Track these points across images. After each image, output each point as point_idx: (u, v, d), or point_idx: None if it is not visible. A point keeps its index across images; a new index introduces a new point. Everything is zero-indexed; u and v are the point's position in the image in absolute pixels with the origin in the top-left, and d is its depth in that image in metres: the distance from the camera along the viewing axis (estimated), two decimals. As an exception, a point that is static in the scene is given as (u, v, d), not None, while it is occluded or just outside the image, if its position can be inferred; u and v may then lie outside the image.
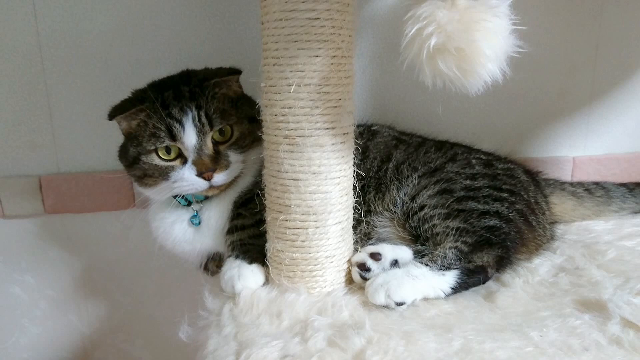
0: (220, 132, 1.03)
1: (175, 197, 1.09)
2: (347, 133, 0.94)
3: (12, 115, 1.33)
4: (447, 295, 0.93)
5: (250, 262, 1.01)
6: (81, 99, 1.34)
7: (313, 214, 0.93)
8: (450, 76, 0.81)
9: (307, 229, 0.94)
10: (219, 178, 1.01)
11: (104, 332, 1.53)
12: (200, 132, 1.00)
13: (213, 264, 1.16)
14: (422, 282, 0.91)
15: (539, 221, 1.09)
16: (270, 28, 0.88)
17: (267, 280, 1.01)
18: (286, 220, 0.94)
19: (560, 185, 1.28)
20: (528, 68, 1.48)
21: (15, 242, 1.42)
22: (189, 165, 1.01)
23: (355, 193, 0.99)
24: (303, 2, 0.85)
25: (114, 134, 1.37)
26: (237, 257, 1.03)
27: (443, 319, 0.87)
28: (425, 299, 0.92)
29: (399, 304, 0.89)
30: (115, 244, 1.45)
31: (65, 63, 1.31)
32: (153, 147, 1.01)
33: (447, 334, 0.81)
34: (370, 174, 1.11)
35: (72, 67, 1.32)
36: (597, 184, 1.31)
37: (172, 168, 1.01)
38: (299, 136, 0.90)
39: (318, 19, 0.86)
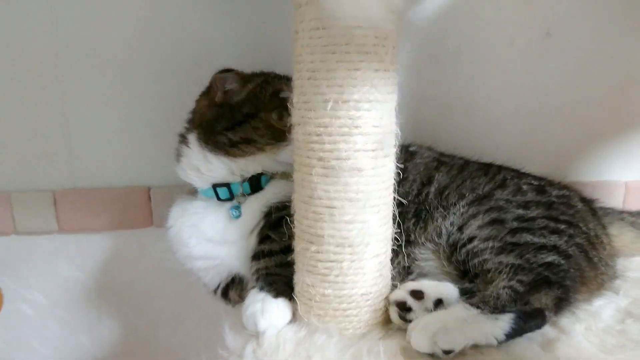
0: None
1: (216, 188, 1.04)
2: (388, 155, 0.84)
3: (28, 128, 1.28)
4: (500, 343, 0.81)
5: (276, 295, 0.91)
6: (99, 112, 1.28)
7: (349, 246, 0.83)
8: None
9: (341, 262, 0.83)
10: None
11: (117, 356, 1.45)
12: None
13: (235, 292, 1.06)
14: (473, 327, 0.80)
15: (601, 257, 0.97)
16: (305, 38, 0.79)
17: (294, 317, 0.90)
18: (318, 252, 0.84)
19: (618, 214, 1.16)
20: (578, 83, 1.37)
21: (26, 259, 1.36)
22: None
23: (395, 222, 0.89)
24: (343, 8, 0.76)
25: (132, 149, 1.30)
26: (261, 288, 0.93)
27: (497, 373, 0.76)
28: (475, 347, 0.81)
29: (447, 352, 0.78)
30: (130, 264, 1.38)
31: (82, 76, 1.26)
32: (277, 104, 1.01)
33: (504, 393, 0.70)
34: (409, 199, 1.01)
35: (90, 80, 1.26)
36: (659, 213, 1.18)
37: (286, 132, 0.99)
38: (335, 159, 0.80)
39: (360, 26, 0.76)
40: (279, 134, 1.01)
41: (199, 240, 1.04)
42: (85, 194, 1.31)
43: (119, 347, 1.44)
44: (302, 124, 0.83)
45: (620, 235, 1.12)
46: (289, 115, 0.91)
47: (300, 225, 0.86)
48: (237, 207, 1.03)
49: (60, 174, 1.30)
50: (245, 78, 1.06)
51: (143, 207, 1.32)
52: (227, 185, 1.04)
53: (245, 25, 1.26)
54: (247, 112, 1.02)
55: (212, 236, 1.04)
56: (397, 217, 0.90)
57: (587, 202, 1.10)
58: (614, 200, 1.43)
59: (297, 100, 0.83)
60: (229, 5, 1.25)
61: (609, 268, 0.99)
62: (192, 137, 1.06)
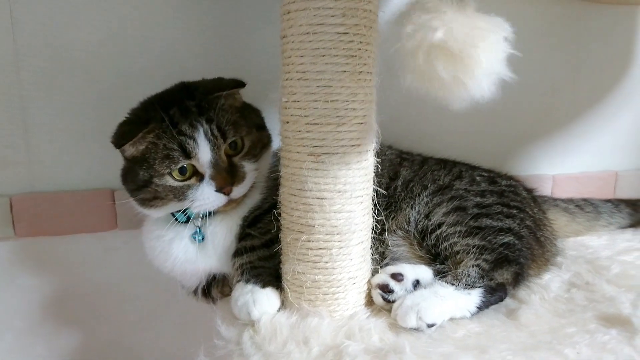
0: (232, 145, 0.98)
1: (173, 213, 1.02)
2: (370, 150, 0.92)
3: (-18, 130, 1.21)
4: (472, 315, 0.92)
5: (264, 286, 0.96)
6: (60, 113, 1.24)
7: (337, 234, 0.90)
8: (442, 80, 0.75)
9: (331, 249, 0.90)
10: (238, 191, 0.97)
11: (76, 365, 1.40)
12: (214, 146, 0.95)
13: (216, 290, 1.09)
14: (450, 302, 0.90)
15: (546, 237, 1.11)
16: (295, 42, 0.85)
17: (283, 304, 0.96)
18: (309, 241, 0.90)
19: (553, 201, 1.33)
20: (510, 91, 1.53)
21: (-21, 268, 1.29)
22: (206, 181, 0.95)
23: (375, 211, 0.97)
24: (332, 16, 0.83)
25: (94, 152, 1.28)
26: (247, 281, 0.97)
27: (474, 340, 0.85)
28: (451, 319, 0.91)
29: (430, 326, 0.87)
30: (92, 269, 1.34)
31: (44, 74, 1.21)
32: (167, 170, 0.94)
33: (484, 355, 0.79)
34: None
35: (52, 79, 1.22)
36: (585, 200, 1.36)
37: (189, 187, 0.95)
38: (325, 153, 0.87)
39: (347, 33, 0.84)
40: (181, 192, 0.95)
41: (175, 263, 1.03)
42: (46, 198, 1.25)
43: (79, 357, 1.40)
44: (291, 122, 0.88)
45: (555, 220, 1.28)
46: (194, 156, 0.92)
47: (290, 217, 0.92)
48: (198, 232, 1.02)
49: (17, 179, 1.24)
50: (139, 140, 0.94)
51: (107, 209, 1.29)
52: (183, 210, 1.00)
53: (213, 31, 1.28)
54: (144, 179, 0.95)
55: (186, 259, 1.03)
56: (378, 207, 0.98)
57: (529, 190, 1.25)
58: (544, 191, 1.61)
59: (287, 99, 0.88)
60: (196, 12, 1.26)
61: (553, 246, 1.14)
62: None
